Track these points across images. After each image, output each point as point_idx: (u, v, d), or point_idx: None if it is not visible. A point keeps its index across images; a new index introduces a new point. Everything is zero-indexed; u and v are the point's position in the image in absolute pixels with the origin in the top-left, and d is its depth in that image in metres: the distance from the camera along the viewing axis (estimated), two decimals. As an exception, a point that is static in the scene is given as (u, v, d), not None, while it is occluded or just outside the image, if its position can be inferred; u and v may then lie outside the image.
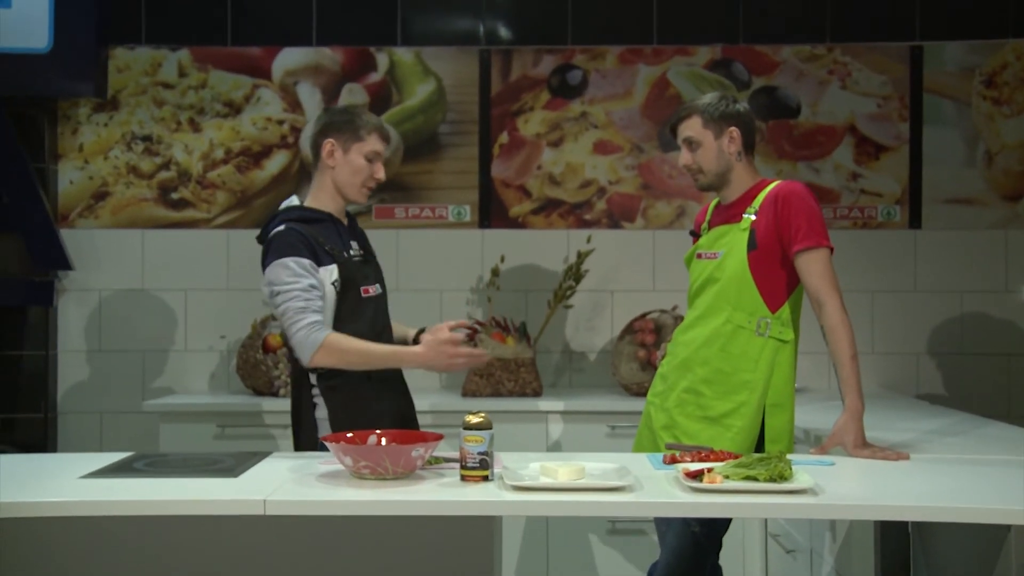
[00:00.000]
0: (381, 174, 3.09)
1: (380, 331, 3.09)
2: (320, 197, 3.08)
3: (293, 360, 3.06)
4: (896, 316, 4.69)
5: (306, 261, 2.91)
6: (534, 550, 4.18)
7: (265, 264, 2.96)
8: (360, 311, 3.02)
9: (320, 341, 2.86)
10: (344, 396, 3.00)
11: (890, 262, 4.69)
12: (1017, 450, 2.99)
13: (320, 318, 2.89)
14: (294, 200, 3.12)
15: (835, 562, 3.22)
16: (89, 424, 4.73)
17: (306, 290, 2.88)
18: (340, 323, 2.98)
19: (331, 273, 2.96)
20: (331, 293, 2.97)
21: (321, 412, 3.02)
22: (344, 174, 3.04)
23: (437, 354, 2.88)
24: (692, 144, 3.02)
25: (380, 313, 3.12)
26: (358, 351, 2.90)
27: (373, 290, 3.08)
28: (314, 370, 2.99)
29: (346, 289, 2.99)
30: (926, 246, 4.70)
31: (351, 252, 3.05)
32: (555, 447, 4.21)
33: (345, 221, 3.12)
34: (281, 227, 2.97)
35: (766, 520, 4.04)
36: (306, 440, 3.06)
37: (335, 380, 2.99)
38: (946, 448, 2.98)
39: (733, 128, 3.00)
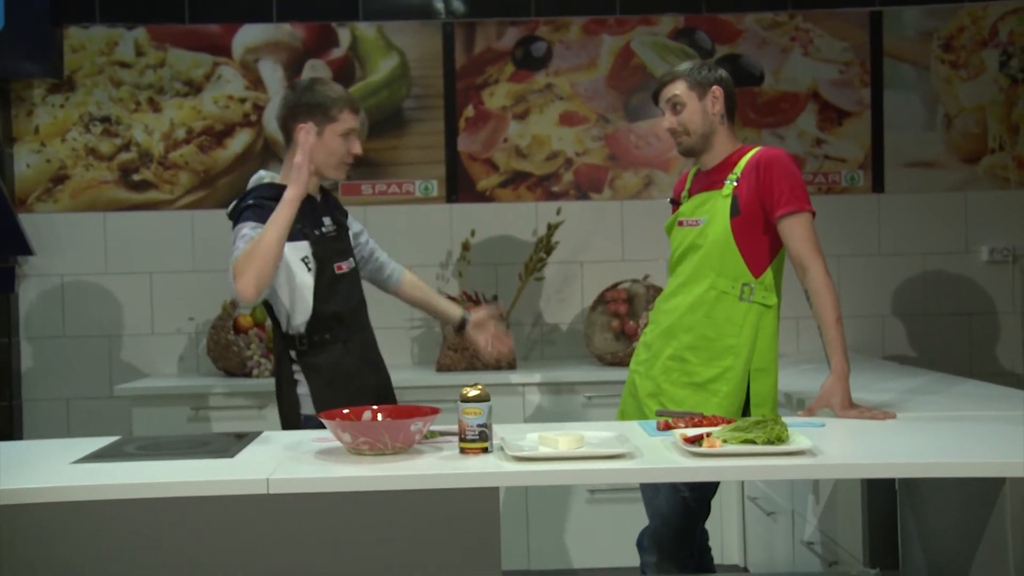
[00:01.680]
0: (358, 148, 3.06)
1: (356, 306, 3.09)
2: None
3: (277, 338, 3.06)
4: (862, 279, 4.76)
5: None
6: (515, 521, 4.19)
7: (235, 234, 2.93)
8: (336, 288, 3.02)
9: (236, 255, 2.83)
10: (326, 373, 3.00)
11: (855, 226, 4.76)
12: (994, 406, 3.06)
13: None
14: (263, 176, 3.09)
15: (819, 522, 3.27)
16: (56, 411, 4.65)
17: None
18: (320, 300, 2.97)
19: (301, 250, 2.94)
20: (302, 270, 2.95)
21: (303, 388, 3.03)
22: (321, 156, 3.01)
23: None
24: (677, 106, 3.04)
25: (355, 288, 3.11)
26: (257, 239, 2.81)
27: (346, 265, 3.08)
28: (294, 346, 3.00)
29: (321, 267, 2.98)
30: (889, 210, 4.77)
31: (324, 229, 3.03)
32: (532, 419, 4.22)
33: (318, 197, 3.09)
34: (251, 202, 2.97)
35: (743, 483, 4.10)
36: (288, 416, 3.06)
37: (316, 357, 2.99)
38: (925, 407, 3.03)
39: (716, 88, 3.03)
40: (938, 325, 4.77)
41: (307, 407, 3.02)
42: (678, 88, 3.05)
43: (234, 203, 3.05)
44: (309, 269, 2.96)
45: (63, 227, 4.67)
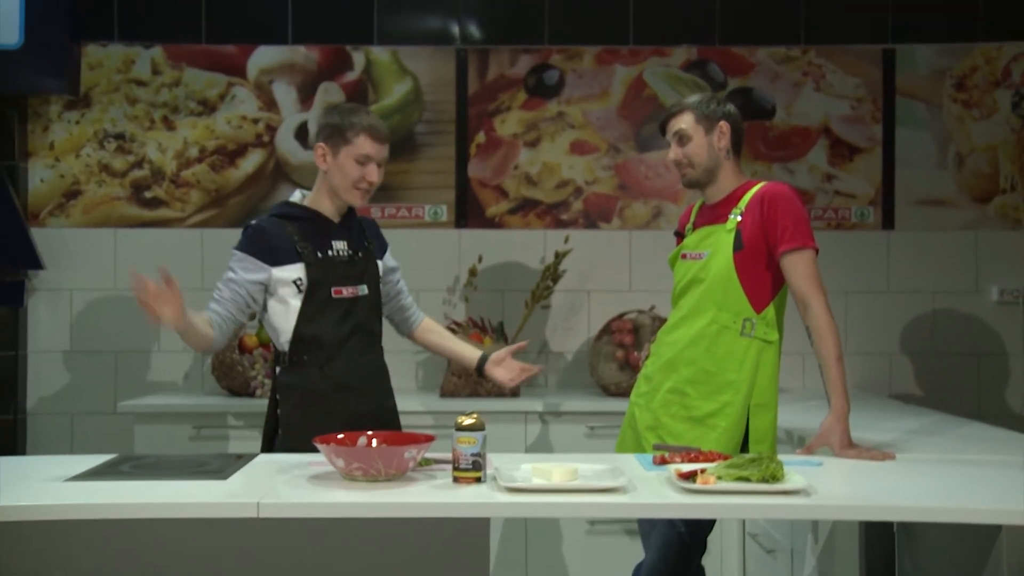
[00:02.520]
0: (373, 176, 3.05)
1: (349, 333, 3.06)
2: (318, 196, 3.11)
3: (273, 357, 3.13)
4: (869, 316, 4.74)
5: (253, 260, 2.99)
6: (514, 551, 4.17)
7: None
8: (328, 312, 3.02)
9: None
10: (296, 394, 3.04)
11: (864, 263, 4.74)
12: (996, 449, 3.03)
13: (216, 307, 3.01)
14: (296, 195, 3.16)
15: (817, 562, 3.25)
16: (60, 426, 4.66)
17: (224, 282, 3.03)
18: (305, 321, 3.01)
19: (292, 271, 3.00)
20: (291, 291, 3.00)
21: (279, 409, 3.07)
22: (335, 178, 3.05)
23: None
24: (683, 138, 3.04)
25: (355, 313, 3.07)
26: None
27: (350, 291, 3.06)
28: (279, 363, 3.06)
29: (313, 288, 3.01)
30: (899, 247, 4.75)
31: (331, 252, 3.05)
32: (533, 448, 4.21)
33: (337, 220, 3.11)
34: (255, 221, 3.07)
35: (744, 520, 4.07)
36: (268, 438, 3.11)
37: (291, 377, 3.05)
38: (926, 448, 3.01)
39: (723, 123, 3.03)
40: (946, 365, 4.74)
41: (284, 428, 3.07)
42: (685, 121, 3.05)
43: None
44: (300, 291, 3.00)
45: (74, 242, 4.69)
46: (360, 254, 3.12)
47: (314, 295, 3.01)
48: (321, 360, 3.03)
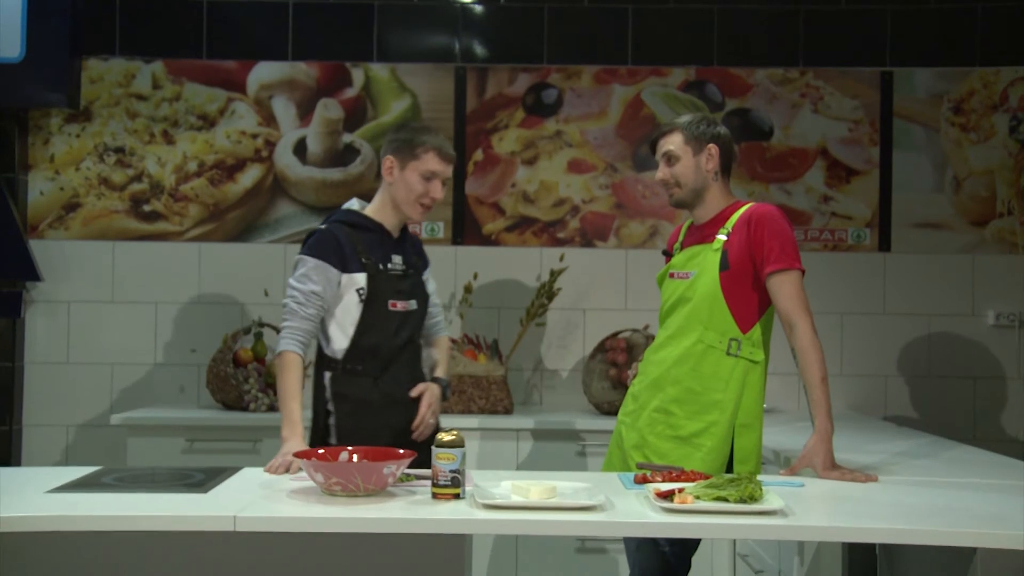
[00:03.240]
0: (438, 192, 3.15)
1: (402, 344, 3.16)
2: (379, 207, 3.18)
3: (316, 359, 3.18)
4: (865, 338, 4.73)
5: (326, 266, 3.03)
6: (503, 568, 4.17)
7: (300, 252, 3.09)
8: (383, 323, 3.12)
9: (279, 349, 3.01)
10: (351, 403, 3.09)
11: (860, 284, 4.74)
12: (984, 473, 3.02)
13: (304, 326, 3.01)
14: (354, 204, 3.23)
15: (803, 583, 3.24)
16: (55, 437, 4.68)
17: (307, 295, 3.02)
18: (362, 331, 3.09)
19: (357, 281, 3.07)
20: (353, 300, 3.07)
21: (333, 419, 3.12)
22: (400, 191, 3.13)
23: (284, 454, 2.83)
24: (671, 158, 3.05)
25: (407, 327, 3.17)
26: (280, 387, 2.98)
27: (403, 305, 3.16)
28: (330, 367, 3.11)
29: (372, 299, 3.09)
30: (895, 269, 4.75)
31: (389, 265, 3.13)
32: (525, 465, 4.21)
33: (396, 234, 3.19)
34: (325, 226, 3.11)
35: (735, 540, 4.06)
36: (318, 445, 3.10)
37: (346, 386, 3.09)
38: (914, 470, 3.00)
39: (712, 146, 3.03)
40: (942, 388, 4.72)
41: (333, 438, 3.10)
42: (674, 141, 3.06)
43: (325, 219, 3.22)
44: (361, 300, 3.08)
45: (72, 254, 4.72)
46: (412, 270, 3.21)
47: (373, 306, 3.09)
48: (375, 371, 3.11)
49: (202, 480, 2.62)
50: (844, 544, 2.85)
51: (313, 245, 3.06)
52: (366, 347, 3.09)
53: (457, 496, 2.42)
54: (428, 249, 4.66)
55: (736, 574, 4.09)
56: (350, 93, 4.79)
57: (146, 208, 4.76)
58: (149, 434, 4.21)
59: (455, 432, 2.44)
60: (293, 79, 4.78)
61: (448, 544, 2.32)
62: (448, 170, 3.16)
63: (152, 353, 4.73)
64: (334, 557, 2.35)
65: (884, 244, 4.75)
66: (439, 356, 3.37)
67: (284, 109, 4.78)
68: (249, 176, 4.76)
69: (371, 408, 3.09)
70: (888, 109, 4.76)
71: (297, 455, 2.52)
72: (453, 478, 2.42)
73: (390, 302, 3.12)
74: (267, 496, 2.46)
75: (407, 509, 2.34)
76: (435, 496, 2.42)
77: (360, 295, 3.08)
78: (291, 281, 3.05)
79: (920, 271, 4.74)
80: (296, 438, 2.88)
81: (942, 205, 4.75)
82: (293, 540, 2.32)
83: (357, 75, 4.79)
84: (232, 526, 2.24)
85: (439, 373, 3.29)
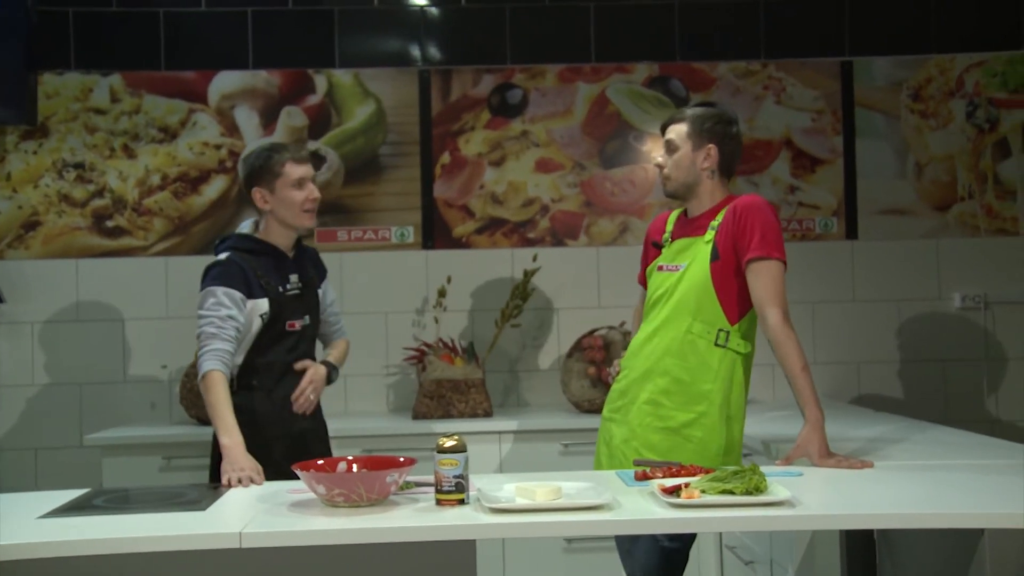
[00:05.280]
0: (315, 193, 3.22)
1: (297, 359, 3.23)
2: (269, 232, 3.23)
3: None
4: (836, 326, 4.78)
5: (236, 293, 3.07)
6: (491, 571, 4.14)
7: (202, 287, 3.11)
8: (280, 342, 3.19)
9: (203, 371, 3.00)
10: (244, 415, 3.07)
11: (829, 273, 4.79)
12: (968, 453, 3.06)
13: (225, 347, 3.02)
14: (246, 227, 3.28)
15: (797, 572, 3.25)
16: (24, 461, 4.57)
17: (223, 319, 3.04)
18: (258, 351, 3.16)
19: (260, 306, 3.12)
20: (257, 324, 3.13)
21: None
22: (282, 210, 3.19)
23: (234, 461, 2.86)
24: (671, 147, 3.05)
25: (302, 343, 3.26)
26: (210, 403, 2.99)
27: (300, 323, 3.23)
28: (230, 386, 3.08)
29: (273, 322, 3.15)
30: (863, 256, 4.80)
31: (287, 286, 3.19)
32: (508, 467, 4.19)
33: (291, 253, 3.24)
34: (224, 255, 3.14)
35: (721, 533, 4.07)
36: (216, 464, 3.07)
37: (241, 400, 3.09)
38: (901, 455, 3.03)
39: (712, 146, 3.02)
40: (912, 371, 4.79)
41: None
42: (677, 131, 3.06)
43: (217, 243, 3.25)
44: (263, 322, 3.14)
45: (34, 274, 4.62)
46: (307, 288, 3.27)
47: (272, 328, 3.16)
48: (270, 385, 3.18)
49: (197, 498, 2.58)
50: (842, 531, 2.87)
51: (218, 276, 3.09)
52: (261, 364, 3.16)
53: (462, 501, 2.40)
54: (398, 254, 4.71)
55: (724, 567, 4.11)
56: (313, 100, 4.74)
57: (109, 224, 4.67)
58: (124, 453, 4.13)
59: (457, 438, 2.43)
60: (255, 88, 4.72)
61: (456, 550, 2.30)
62: (311, 169, 3.21)
63: (121, 371, 4.64)
64: (340, 570, 2.32)
65: (851, 232, 4.80)
66: (335, 349, 3.43)
67: (247, 119, 4.72)
68: (214, 187, 4.69)
69: (262, 418, 3.13)
70: (849, 98, 4.82)
71: (296, 467, 2.48)
72: (457, 483, 2.40)
73: (288, 323, 3.19)
74: (268, 511, 2.42)
75: (413, 517, 2.32)
76: (439, 502, 2.41)
77: (263, 319, 3.13)
78: (202, 312, 3.05)
79: (887, 257, 4.80)
80: (238, 446, 2.89)
81: (905, 191, 4.82)
82: (298, 554, 2.28)
83: (320, 82, 4.74)
84: (238, 543, 2.20)
85: (330, 358, 3.35)
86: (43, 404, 4.60)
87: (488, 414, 4.38)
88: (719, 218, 3.00)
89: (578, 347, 4.50)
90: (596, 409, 4.30)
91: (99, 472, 4.12)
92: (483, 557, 4.08)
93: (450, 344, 4.53)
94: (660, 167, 3.08)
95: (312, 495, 2.47)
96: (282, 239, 3.22)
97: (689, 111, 3.08)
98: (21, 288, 4.60)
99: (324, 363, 3.29)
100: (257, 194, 3.17)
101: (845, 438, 3.30)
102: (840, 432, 3.43)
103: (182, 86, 4.70)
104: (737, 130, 3.09)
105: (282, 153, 3.18)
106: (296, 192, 3.15)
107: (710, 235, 2.99)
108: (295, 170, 3.16)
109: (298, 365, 3.21)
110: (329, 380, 3.30)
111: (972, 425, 4.22)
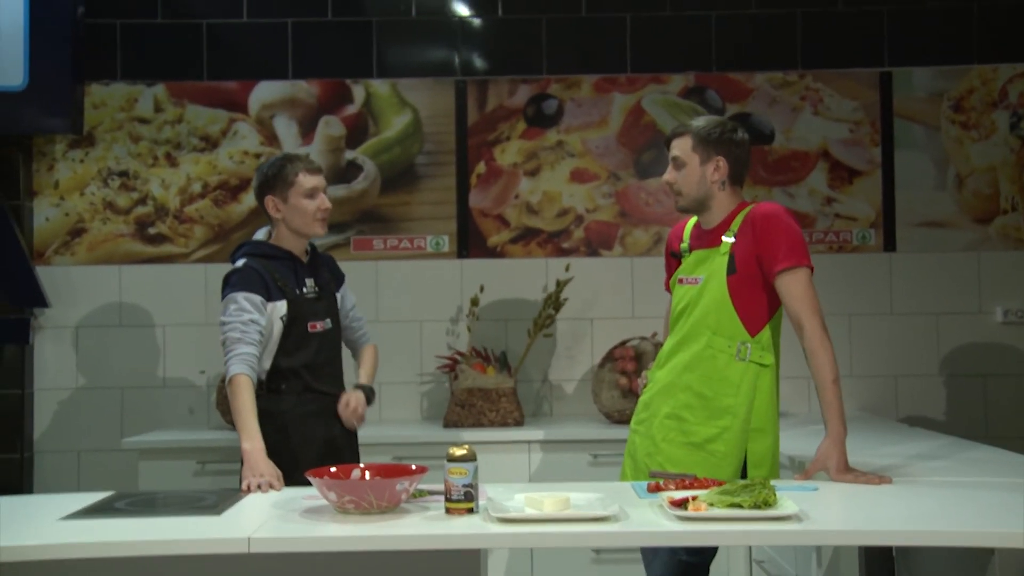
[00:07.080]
0: (326, 203, 3.27)
1: (323, 363, 3.29)
2: (282, 239, 3.29)
3: None
4: (873, 338, 4.72)
5: (256, 297, 3.12)
6: (518, 581, 4.16)
7: (222, 295, 3.18)
8: (304, 344, 3.22)
9: (230, 374, 3.03)
10: (276, 419, 3.14)
11: (866, 285, 4.73)
12: (998, 472, 3.01)
13: (250, 351, 3.06)
14: (261, 234, 3.37)
15: (820, 587, 3.22)
16: (66, 463, 4.68)
17: (245, 324, 3.08)
18: (284, 354, 3.19)
19: (280, 308, 3.16)
20: (278, 327, 3.17)
21: (264, 433, 3.09)
22: (295, 218, 3.24)
23: (254, 466, 2.90)
24: (678, 163, 3.03)
25: (326, 346, 3.30)
26: (235, 407, 3.01)
27: (321, 325, 3.27)
28: (258, 390, 3.12)
29: (293, 324, 3.19)
30: (901, 269, 4.74)
31: (304, 290, 3.25)
32: (537, 477, 4.20)
33: (305, 259, 3.30)
34: (241, 262, 3.20)
35: (750, 547, 4.05)
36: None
37: (270, 404, 3.14)
38: (928, 471, 2.99)
39: (720, 158, 3.00)
40: (952, 386, 4.71)
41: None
42: (682, 146, 3.03)
43: (233, 252, 3.32)
44: (284, 325, 3.18)
45: (79, 279, 4.73)
46: (325, 292, 3.31)
47: (293, 330, 3.20)
48: (299, 388, 3.21)
49: (215, 502, 2.62)
50: (861, 548, 2.83)
51: (237, 282, 3.14)
52: (288, 368, 3.19)
53: (471, 510, 2.41)
54: (433, 263, 4.75)
55: (752, 580, 4.08)
56: (351, 110, 4.80)
57: (151, 231, 4.77)
58: (160, 457, 4.21)
59: (467, 447, 2.44)
60: (294, 98, 4.80)
61: (464, 559, 2.31)
62: (322, 180, 3.26)
63: (161, 376, 4.73)
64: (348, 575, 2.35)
65: (889, 244, 4.74)
66: (365, 364, 3.46)
67: (286, 128, 4.79)
68: (252, 196, 4.75)
69: (293, 422, 3.17)
70: (888, 109, 4.76)
71: (309, 474, 2.51)
72: (466, 492, 2.42)
73: (309, 324, 3.22)
74: (280, 516, 2.46)
75: (422, 525, 2.34)
76: (449, 511, 2.42)
77: (283, 321, 3.17)
78: (225, 318, 3.10)
79: (926, 270, 4.73)
80: (259, 451, 2.92)
81: (945, 203, 4.75)
82: (307, 560, 2.32)
83: (358, 92, 4.80)
84: (247, 548, 2.23)
85: (363, 380, 3.39)
86: (85, 407, 4.71)
87: (519, 423, 4.40)
88: (734, 226, 2.98)
89: (609, 357, 4.50)
90: (626, 420, 4.29)
91: (136, 475, 4.20)
92: (511, 566, 4.13)
93: (482, 353, 4.56)
94: (669, 184, 3.06)
95: (325, 502, 2.50)
96: (295, 246, 3.27)
97: (691, 123, 3.05)
98: (66, 293, 4.72)
99: (359, 388, 3.33)
100: (270, 202, 3.23)
101: (874, 454, 3.25)
102: (870, 449, 3.39)
103: (223, 96, 4.79)
104: (743, 135, 3.05)
105: (296, 163, 3.24)
106: (308, 201, 3.21)
107: (726, 247, 2.97)
108: (308, 180, 3.22)
109: (340, 404, 3.25)
110: (368, 402, 3.33)
111: (1015, 443, 4.14)
